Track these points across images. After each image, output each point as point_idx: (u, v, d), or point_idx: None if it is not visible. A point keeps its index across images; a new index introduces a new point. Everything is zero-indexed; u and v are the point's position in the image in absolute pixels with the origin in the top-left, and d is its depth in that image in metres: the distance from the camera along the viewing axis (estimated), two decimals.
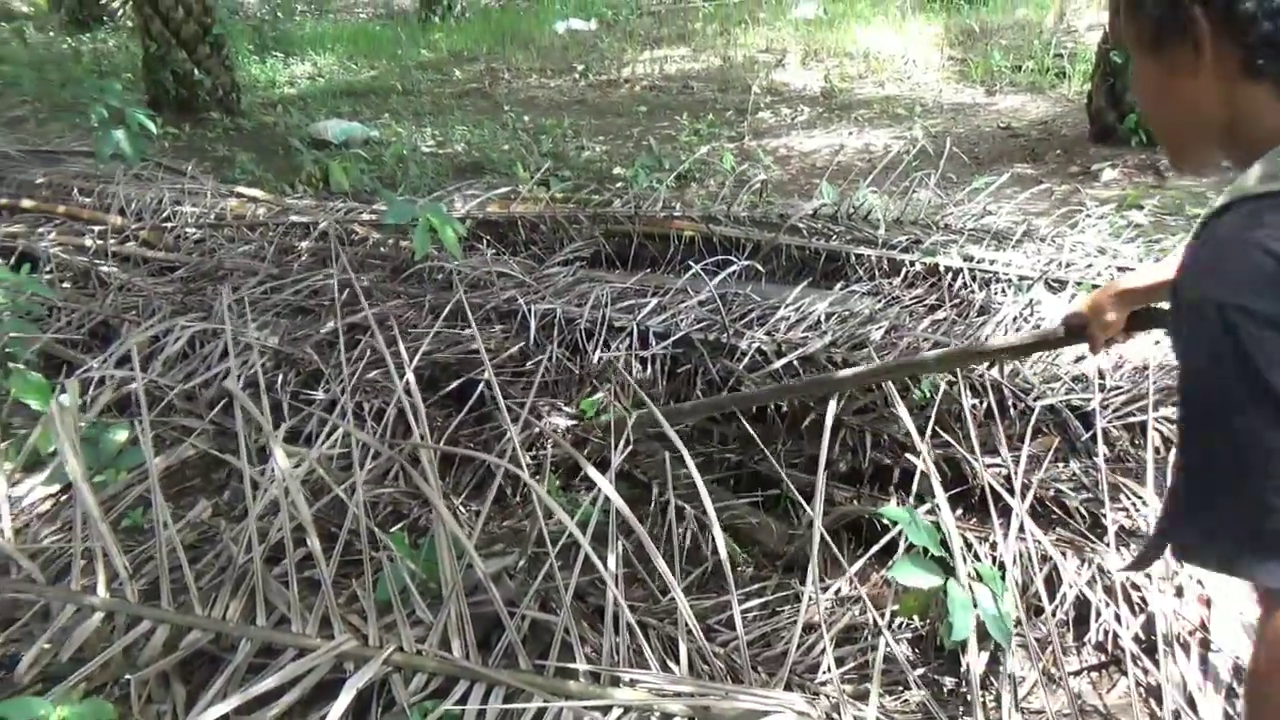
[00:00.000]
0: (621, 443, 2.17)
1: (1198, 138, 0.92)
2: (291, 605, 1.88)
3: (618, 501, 1.83)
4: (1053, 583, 1.99)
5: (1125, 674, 1.80)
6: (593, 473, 1.88)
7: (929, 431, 2.18)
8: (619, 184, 5.45)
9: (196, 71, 8.00)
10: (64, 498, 2.57)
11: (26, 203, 4.73)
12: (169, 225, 4.33)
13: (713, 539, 2.02)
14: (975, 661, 1.68)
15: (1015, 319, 2.92)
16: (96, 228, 4.34)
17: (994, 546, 2.06)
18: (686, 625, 1.77)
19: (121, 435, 2.70)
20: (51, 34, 13.39)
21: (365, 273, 3.86)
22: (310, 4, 15.85)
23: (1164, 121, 0.95)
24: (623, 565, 2.26)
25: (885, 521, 2.13)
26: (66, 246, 4.18)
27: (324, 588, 1.86)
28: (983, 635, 1.75)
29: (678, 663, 1.77)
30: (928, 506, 2.06)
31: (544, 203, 4.20)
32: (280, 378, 3.10)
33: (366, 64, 10.58)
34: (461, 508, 2.59)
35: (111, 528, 2.00)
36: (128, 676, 1.87)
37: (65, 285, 3.97)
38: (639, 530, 1.80)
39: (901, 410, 1.92)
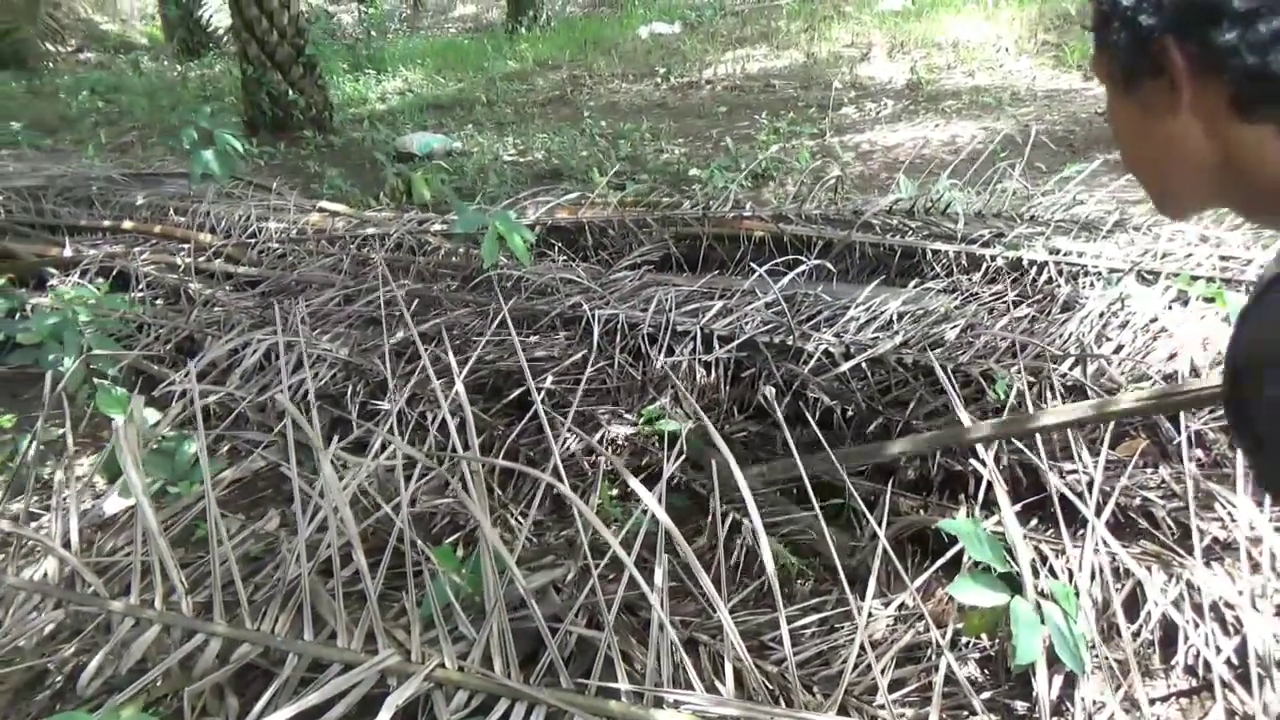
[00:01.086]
0: (674, 454, 2.10)
1: (1182, 183, 0.79)
2: (338, 619, 1.87)
3: (665, 521, 1.75)
4: (1136, 600, 1.83)
5: (1215, 700, 1.64)
6: (639, 489, 1.82)
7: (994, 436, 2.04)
8: (695, 185, 5.37)
9: (291, 92, 8.28)
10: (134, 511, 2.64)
11: (127, 224, 4.95)
12: (253, 241, 4.46)
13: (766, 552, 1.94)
14: (1044, 686, 1.55)
15: (1102, 315, 2.73)
16: (187, 246, 4.50)
17: (1070, 560, 1.92)
18: (733, 645, 1.69)
19: (195, 447, 2.77)
20: (165, 62, 14.11)
21: (436, 282, 3.89)
22: (403, 21, 16.29)
23: (1143, 166, 0.81)
24: (676, 579, 2.20)
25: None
26: (159, 265, 4.35)
27: (369, 602, 1.85)
28: (1054, 657, 1.62)
29: (724, 682, 1.70)
30: (998, 517, 1.93)
31: (612, 207, 4.16)
32: (350, 388, 3.14)
33: (454, 77, 10.77)
34: (521, 517, 2.57)
35: (169, 542, 2.03)
36: (186, 691, 1.90)
37: (157, 302, 4.13)
38: (685, 551, 1.72)
39: (963, 415, 1.79)
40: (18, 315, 3.67)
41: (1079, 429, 2.19)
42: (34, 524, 2.53)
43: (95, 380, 3.16)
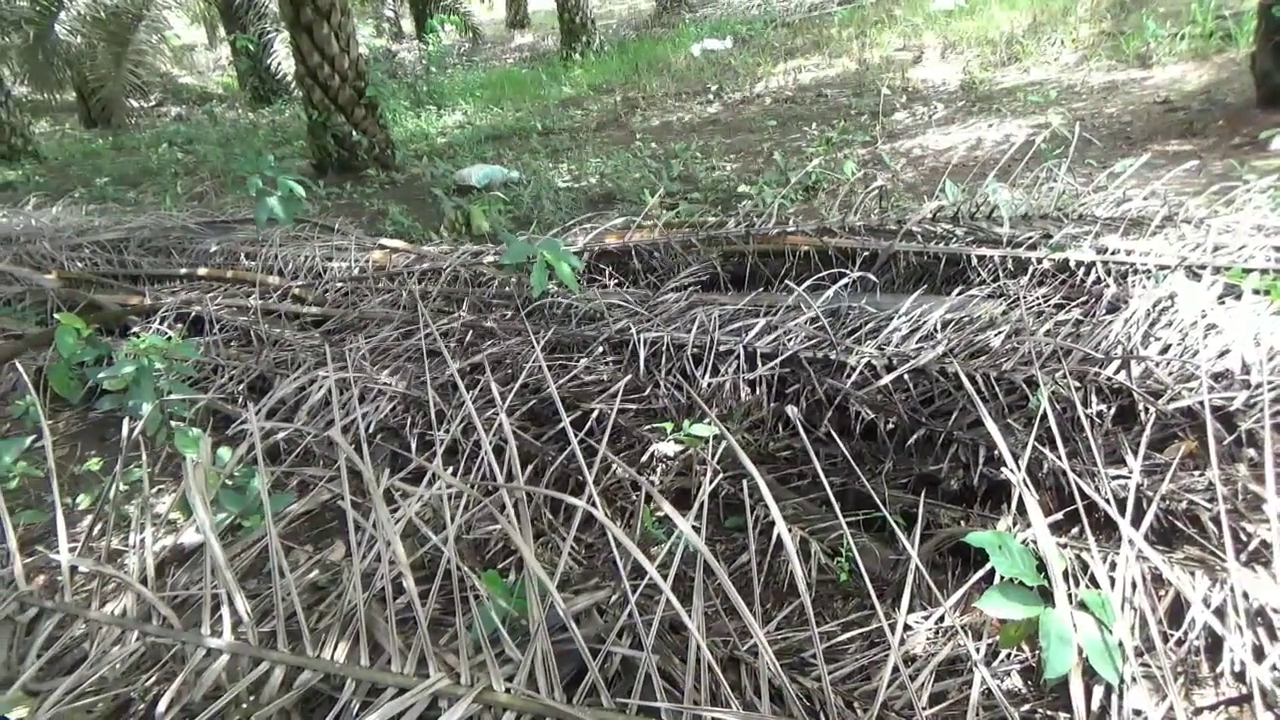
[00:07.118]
0: (710, 475, 2.14)
1: None
2: (392, 645, 1.96)
3: (699, 546, 1.79)
4: (1180, 607, 1.80)
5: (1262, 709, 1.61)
6: (674, 515, 1.86)
7: (1029, 444, 2.02)
8: (745, 201, 5.40)
9: (354, 133, 8.57)
10: None
11: (201, 271, 5.20)
12: (318, 281, 4.64)
13: (809, 564, 1.97)
14: (1079, 697, 1.54)
15: (1148, 313, 2.68)
16: (257, 289, 4.71)
17: (1114, 567, 1.90)
18: (769, 663, 1.72)
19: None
20: (239, 111, 14.71)
21: (491, 312, 4.00)
22: (461, 55, 16.69)
23: None
24: (722, 595, 2.24)
25: None
26: (230, 309, 4.56)
27: (420, 628, 1.93)
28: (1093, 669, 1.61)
29: (765, 700, 1.73)
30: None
31: (659, 229, 4.22)
32: (409, 420, 3.26)
33: (512, 107, 11.00)
34: (574, 541, 2.63)
35: (238, 575, 2.15)
36: (254, 716, 2.00)
37: (231, 345, 4.32)
38: (720, 573, 1.75)
39: (990, 424, 1.79)
40: (105, 363, 3.89)
41: (1124, 434, 2.16)
42: (117, 561, 2.69)
43: (172, 423, 3.33)
